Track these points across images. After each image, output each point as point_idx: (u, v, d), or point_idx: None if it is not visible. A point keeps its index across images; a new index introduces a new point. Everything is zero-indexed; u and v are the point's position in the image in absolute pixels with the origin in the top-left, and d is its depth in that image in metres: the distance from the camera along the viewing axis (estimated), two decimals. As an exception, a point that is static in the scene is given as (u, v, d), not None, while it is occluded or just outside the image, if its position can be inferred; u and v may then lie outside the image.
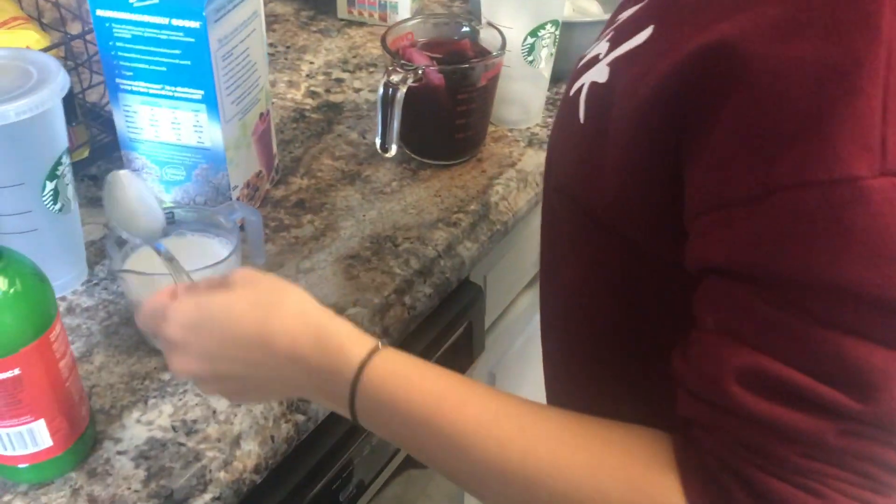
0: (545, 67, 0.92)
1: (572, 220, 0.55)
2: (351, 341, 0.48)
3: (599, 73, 0.49)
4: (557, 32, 0.90)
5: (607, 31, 0.55)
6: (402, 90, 0.79)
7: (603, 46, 0.52)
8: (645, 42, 0.46)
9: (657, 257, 0.48)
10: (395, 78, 0.79)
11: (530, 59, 0.90)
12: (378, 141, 0.82)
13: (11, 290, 0.50)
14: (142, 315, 0.54)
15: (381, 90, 0.79)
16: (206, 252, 0.68)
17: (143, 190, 0.62)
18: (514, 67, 0.89)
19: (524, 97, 0.94)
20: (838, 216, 0.36)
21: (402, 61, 0.82)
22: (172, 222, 0.68)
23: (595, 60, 0.51)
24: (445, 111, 0.84)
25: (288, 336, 0.47)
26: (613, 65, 0.48)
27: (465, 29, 0.89)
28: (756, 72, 0.38)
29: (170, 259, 0.57)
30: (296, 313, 0.48)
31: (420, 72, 0.81)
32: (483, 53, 0.87)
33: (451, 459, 0.46)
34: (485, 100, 0.87)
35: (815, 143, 0.37)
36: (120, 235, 0.65)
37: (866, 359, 0.38)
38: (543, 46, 0.90)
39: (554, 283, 0.62)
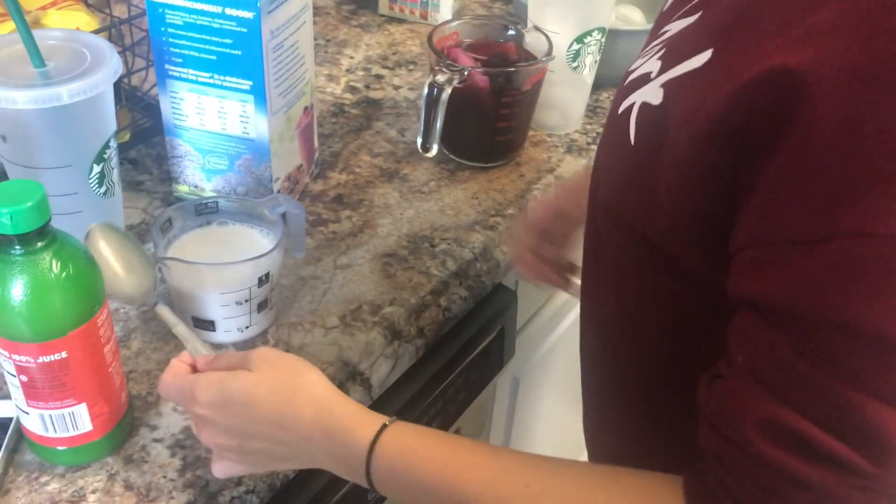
0: (588, 74, 0.92)
1: (621, 244, 0.54)
2: (359, 426, 0.51)
3: (652, 94, 0.47)
4: (603, 40, 0.90)
5: (655, 44, 0.52)
6: (447, 91, 0.79)
7: (654, 64, 0.49)
8: (703, 66, 0.43)
9: (711, 286, 0.46)
10: (440, 78, 0.79)
11: (575, 65, 0.89)
12: (419, 140, 0.82)
13: (64, 274, 0.50)
14: (165, 388, 0.55)
15: (425, 90, 0.79)
16: (248, 242, 0.68)
17: (125, 246, 0.61)
18: (558, 73, 0.89)
19: (565, 103, 0.93)
20: (893, 270, 0.36)
21: (448, 62, 0.81)
22: (216, 211, 0.68)
23: (646, 79, 0.48)
24: (488, 113, 0.84)
25: (302, 422, 0.51)
26: (668, 87, 0.46)
27: (511, 32, 0.89)
28: (828, 114, 0.37)
29: (177, 326, 0.59)
30: (309, 400, 0.51)
31: (465, 73, 0.80)
32: (528, 57, 0.86)
33: None
34: (528, 104, 0.86)
35: (884, 195, 0.36)
36: (166, 219, 0.66)
37: (888, 424, 0.37)
38: (588, 53, 0.89)
39: (598, 310, 0.61)
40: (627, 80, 0.51)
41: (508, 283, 0.86)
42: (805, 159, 0.38)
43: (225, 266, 0.63)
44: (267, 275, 0.64)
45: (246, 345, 0.66)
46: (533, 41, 0.87)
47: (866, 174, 0.36)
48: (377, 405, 0.69)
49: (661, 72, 0.47)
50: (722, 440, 0.42)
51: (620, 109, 0.50)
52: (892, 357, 0.37)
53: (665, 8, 0.56)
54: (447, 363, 0.76)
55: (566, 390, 1.19)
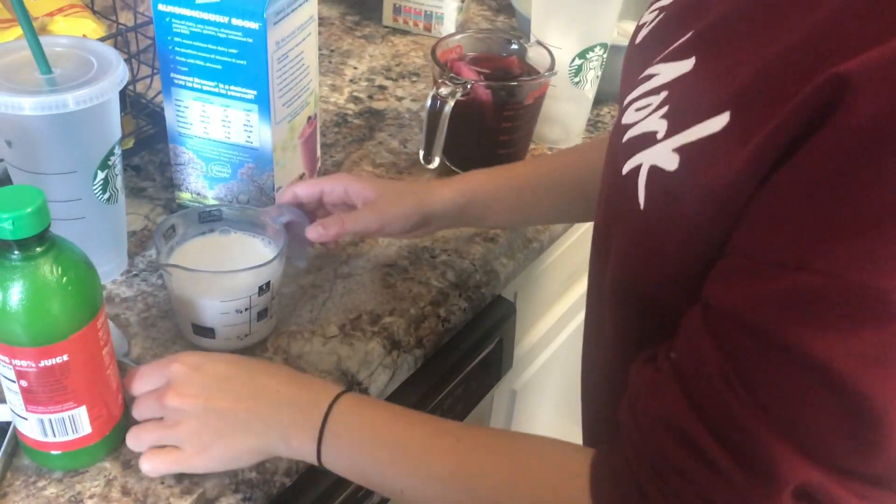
0: (590, 89, 0.92)
1: (621, 300, 0.53)
2: (321, 388, 0.57)
3: (663, 159, 0.44)
4: (605, 55, 0.90)
5: (647, 92, 0.49)
6: (450, 104, 0.79)
7: (658, 124, 0.46)
8: (722, 131, 0.42)
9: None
10: (443, 91, 0.79)
11: (576, 80, 0.90)
12: (422, 152, 0.83)
13: (64, 278, 0.50)
14: (142, 370, 0.59)
15: (429, 102, 0.79)
16: (250, 251, 0.68)
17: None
18: (560, 87, 0.90)
19: (567, 117, 0.94)
20: (850, 315, 0.37)
21: (451, 75, 0.82)
22: (219, 219, 0.69)
23: (651, 139, 0.46)
24: (490, 127, 0.85)
25: (274, 383, 0.57)
26: (684, 153, 0.43)
27: (514, 46, 0.89)
28: (832, 152, 0.37)
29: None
30: (283, 370, 0.59)
31: (468, 86, 0.81)
32: (530, 72, 0.87)
33: (400, 473, 0.53)
34: (530, 118, 0.87)
35: (861, 241, 0.36)
36: (170, 226, 0.66)
37: (777, 456, 0.40)
38: (591, 69, 0.90)
39: (598, 342, 0.61)
40: (626, 138, 0.49)
41: (508, 295, 0.86)
42: (801, 186, 0.38)
43: (225, 274, 0.63)
44: (268, 284, 0.64)
45: (245, 353, 0.66)
46: (535, 56, 0.88)
47: (851, 218, 0.37)
48: (375, 415, 0.69)
49: (671, 133, 0.45)
50: (634, 423, 0.46)
51: (625, 171, 0.48)
52: (818, 391, 0.38)
53: (637, 40, 0.55)
54: (445, 374, 0.76)
55: (564, 403, 1.19)
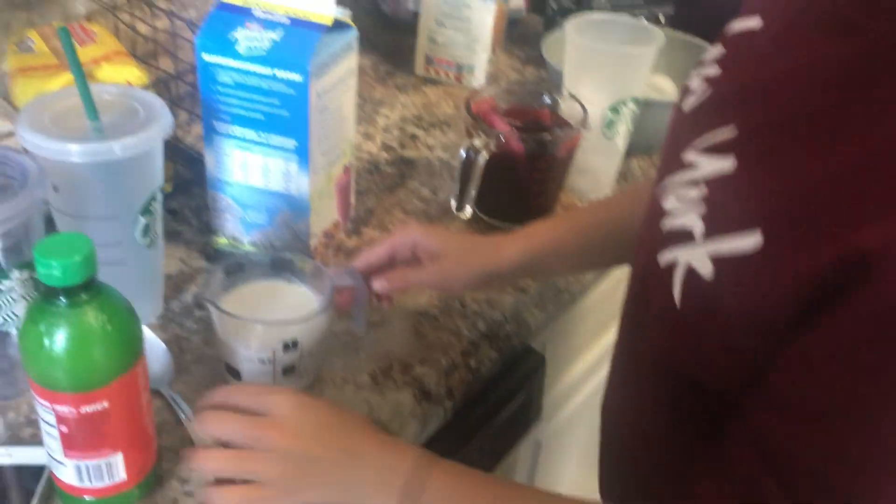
0: (621, 142, 0.93)
1: (662, 374, 0.54)
2: (411, 450, 0.56)
3: (700, 262, 0.46)
4: (637, 110, 0.91)
5: (687, 182, 0.49)
6: (484, 155, 0.80)
7: (695, 221, 0.47)
8: (756, 254, 0.42)
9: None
10: (477, 143, 0.80)
11: (608, 133, 0.91)
12: (454, 202, 0.84)
13: (108, 326, 0.51)
14: (235, 389, 0.58)
15: (462, 153, 0.80)
16: (303, 306, 0.66)
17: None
18: (591, 140, 0.91)
19: (597, 169, 0.95)
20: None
21: (485, 126, 0.83)
22: (291, 270, 0.69)
23: (688, 237, 0.47)
24: (522, 178, 0.86)
25: (366, 439, 0.56)
26: (718, 265, 0.45)
27: (546, 99, 0.91)
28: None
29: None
30: (373, 429, 0.58)
31: (501, 138, 0.82)
32: (562, 124, 0.88)
33: None
34: (561, 169, 0.88)
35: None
36: (237, 263, 0.67)
37: None
38: (622, 122, 0.91)
39: (632, 399, 0.61)
40: (665, 226, 0.50)
41: (537, 346, 0.86)
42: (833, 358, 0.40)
43: (250, 322, 0.64)
44: (294, 342, 0.64)
45: (278, 400, 0.66)
46: (568, 108, 0.89)
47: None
48: (404, 465, 0.69)
49: (707, 236, 0.46)
50: None
51: (662, 264, 0.49)
52: None
53: (685, 108, 0.54)
54: (474, 425, 0.76)
55: (589, 455, 1.18)
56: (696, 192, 0.48)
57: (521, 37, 1.32)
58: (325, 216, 0.79)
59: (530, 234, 0.72)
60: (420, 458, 0.55)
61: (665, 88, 1.09)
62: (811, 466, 0.42)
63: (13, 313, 0.61)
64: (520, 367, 0.81)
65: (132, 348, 0.52)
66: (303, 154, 0.72)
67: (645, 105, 0.95)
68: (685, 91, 0.56)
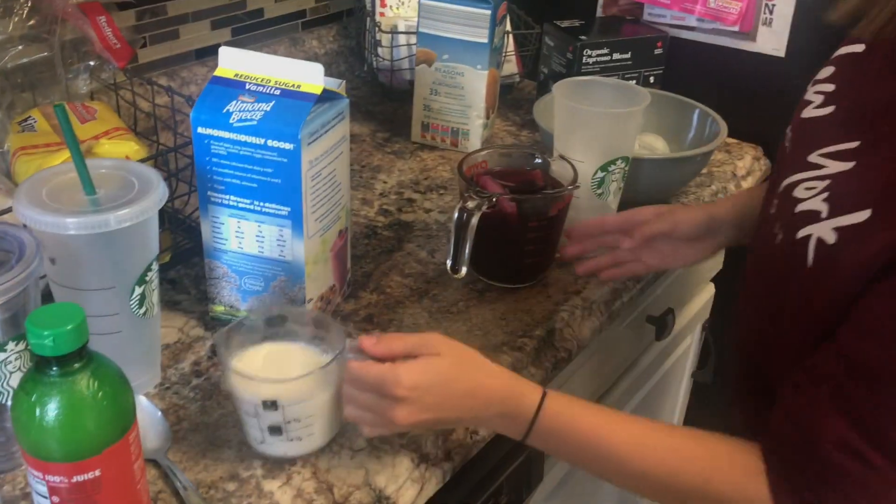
0: (613, 200, 0.94)
1: (791, 322, 0.66)
2: (525, 392, 0.67)
3: (826, 234, 0.61)
4: (627, 168, 0.93)
5: (813, 176, 0.64)
6: (477, 216, 0.81)
7: (821, 205, 0.62)
8: (865, 222, 0.58)
9: None
10: (470, 204, 0.82)
11: (599, 191, 0.92)
12: (449, 263, 0.84)
13: (100, 394, 0.51)
14: (364, 375, 0.64)
15: (455, 215, 0.82)
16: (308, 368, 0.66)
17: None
18: (583, 199, 0.92)
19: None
20: None
21: (477, 188, 0.84)
22: (323, 339, 0.69)
23: (816, 217, 0.62)
24: (515, 238, 0.86)
25: (488, 391, 0.67)
26: (839, 233, 0.60)
27: (538, 160, 0.92)
28: None
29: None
30: (491, 374, 0.68)
31: (494, 199, 0.83)
32: (554, 185, 0.89)
33: (600, 470, 0.68)
34: (554, 228, 0.89)
35: None
36: (278, 316, 0.69)
37: None
38: (613, 181, 0.92)
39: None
40: (797, 209, 0.64)
41: (536, 406, 0.86)
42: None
43: (236, 374, 0.64)
44: (273, 402, 0.63)
45: (267, 458, 0.66)
46: (559, 169, 0.90)
47: None
48: (403, 530, 0.68)
49: (831, 216, 0.61)
50: (798, 433, 0.60)
51: (798, 236, 0.63)
52: None
53: (804, 115, 0.71)
54: (474, 488, 0.75)
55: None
56: (821, 184, 0.63)
57: (515, 101, 1.35)
58: (322, 281, 0.80)
59: (727, 198, 0.94)
60: (538, 391, 0.67)
61: (656, 147, 1.10)
62: (876, 375, 0.57)
63: (10, 385, 0.61)
64: (519, 427, 0.80)
65: (124, 416, 0.53)
66: (297, 220, 0.73)
67: (636, 163, 0.96)
68: (804, 104, 0.72)
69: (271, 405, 0.63)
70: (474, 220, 0.81)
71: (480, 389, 0.66)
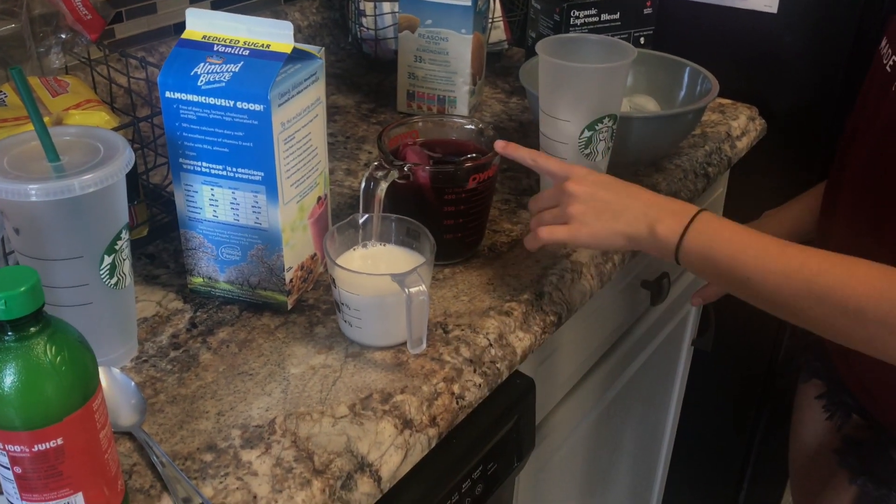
0: (602, 161, 0.92)
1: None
2: (680, 204, 0.75)
3: None
4: (615, 126, 0.90)
5: None
6: (384, 186, 0.77)
7: None
8: None
9: None
10: (378, 173, 0.78)
11: (587, 151, 0.89)
12: (361, 233, 0.80)
13: (58, 359, 0.49)
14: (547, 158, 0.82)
15: (363, 184, 0.77)
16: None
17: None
18: (571, 160, 0.89)
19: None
20: None
21: (391, 158, 0.81)
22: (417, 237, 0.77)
23: None
24: (433, 210, 0.82)
25: (646, 193, 0.76)
26: None
27: (469, 127, 0.89)
28: None
29: None
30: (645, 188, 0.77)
31: (406, 168, 0.80)
32: (480, 155, 0.84)
33: (749, 265, 0.70)
34: (478, 201, 0.84)
35: None
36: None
37: None
38: (601, 140, 0.89)
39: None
40: None
41: (527, 372, 0.84)
42: None
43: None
44: (334, 280, 0.71)
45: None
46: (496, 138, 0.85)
47: None
48: (387, 499, 0.66)
49: None
50: None
51: None
52: None
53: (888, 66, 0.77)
54: (462, 454, 0.73)
55: (592, 486, 1.14)
56: None
57: (504, 69, 1.33)
58: (301, 249, 0.78)
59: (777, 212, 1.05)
60: (695, 206, 0.73)
61: (648, 108, 1.08)
62: None
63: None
64: (508, 393, 0.78)
65: (85, 382, 0.51)
66: (271, 185, 0.71)
67: (625, 121, 0.94)
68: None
69: (332, 281, 0.72)
70: (381, 190, 0.77)
71: (639, 190, 0.75)
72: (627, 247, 0.75)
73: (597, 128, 0.88)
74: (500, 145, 0.80)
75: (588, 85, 0.87)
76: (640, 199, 0.75)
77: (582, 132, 0.88)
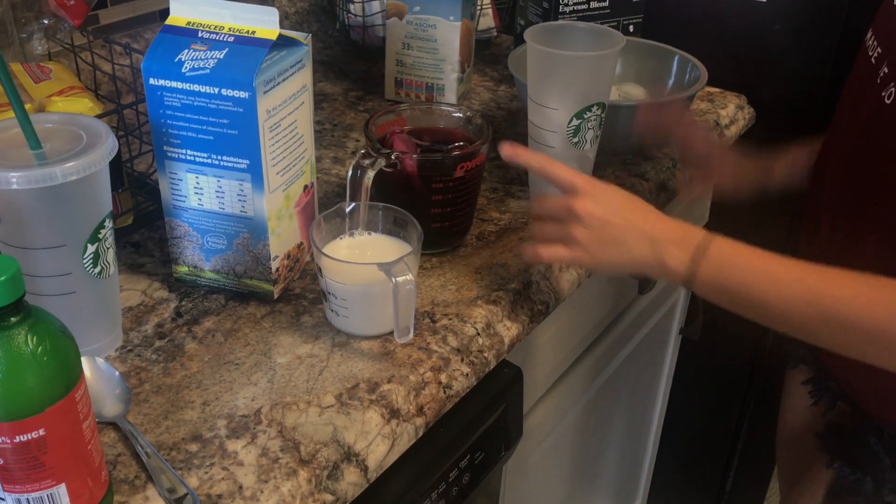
0: (590, 149, 0.92)
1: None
2: (691, 231, 0.72)
3: None
4: (603, 115, 0.90)
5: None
6: (370, 174, 0.77)
7: None
8: None
9: None
10: (365, 161, 0.78)
11: (575, 140, 0.89)
12: (348, 222, 0.80)
13: (39, 349, 0.49)
14: (553, 163, 0.76)
15: (349, 172, 0.77)
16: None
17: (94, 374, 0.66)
18: (559, 148, 0.89)
19: (569, 178, 0.93)
20: None
21: (378, 146, 0.81)
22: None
23: None
24: (421, 198, 0.82)
25: (655, 216, 0.72)
26: None
27: (457, 115, 0.88)
28: None
29: None
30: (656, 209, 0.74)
31: (393, 157, 0.79)
32: (468, 144, 0.84)
33: (767, 292, 0.68)
34: (466, 190, 0.84)
35: None
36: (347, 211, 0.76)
37: None
38: (589, 128, 0.89)
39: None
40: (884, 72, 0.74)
41: (515, 361, 0.84)
42: None
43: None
44: (320, 269, 0.71)
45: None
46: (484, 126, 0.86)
47: None
48: (374, 489, 0.66)
49: None
50: None
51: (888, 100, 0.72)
52: None
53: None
54: (449, 443, 0.73)
55: (580, 475, 1.14)
56: None
57: (493, 56, 1.32)
58: (287, 238, 0.77)
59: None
60: (705, 231, 0.70)
61: (637, 96, 1.07)
62: None
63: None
64: (495, 382, 0.78)
65: (68, 372, 0.50)
66: (256, 173, 0.71)
67: (615, 110, 0.94)
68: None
69: (319, 270, 0.72)
70: (368, 179, 0.77)
71: (650, 212, 0.72)
72: (634, 274, 0.74)
73: (585, 116, 0.88)
74: (507, 152, 0.76)
75: (576, 73, 0.86)
76: (648, 224, 0.71)
77: (570, 120, 0.88)
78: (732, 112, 1.19)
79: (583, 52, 0.87)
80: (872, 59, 0.79)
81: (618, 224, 0.71)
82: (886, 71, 0.75)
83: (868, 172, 0.78)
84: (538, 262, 0.77)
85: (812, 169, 0.92)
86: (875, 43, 0.79)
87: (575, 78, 0.86)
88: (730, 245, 0.70)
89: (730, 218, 1.07)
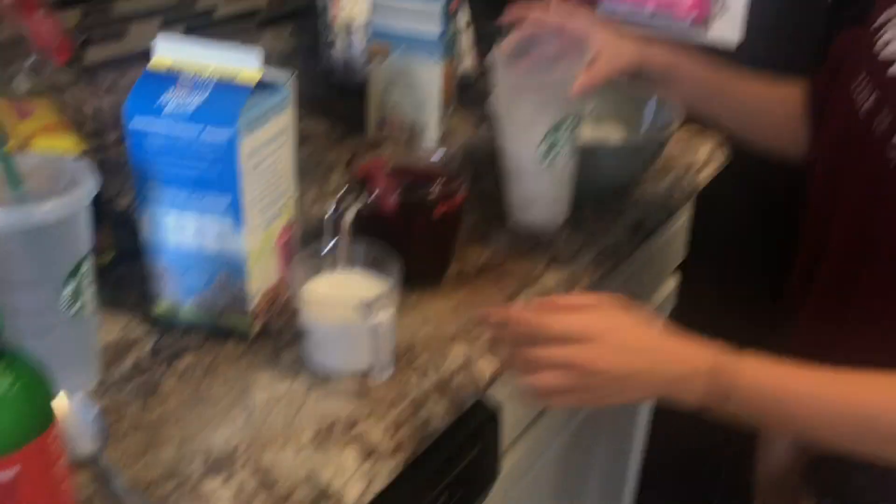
0: (567, 164, 0.92)
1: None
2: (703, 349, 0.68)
3: None
4: (578, 129, 0.91)
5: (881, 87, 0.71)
6: (352, 212, 0.78)
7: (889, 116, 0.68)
8: None
9: None
10: (346, 200, 0.79)
11: (547, 159, 0.90)
12: (328, 259, 0.80)
13: (15, 387, 0.49)
14: (552, 304, 0.71)
15: (330, 210, 0.79)
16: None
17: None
18: (531, 170, 0.91)
19: (543, 197, 0.94)
20: None
21: (359, 184, 0.82)
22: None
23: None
24: (400, 237, 0.81)
25: (670, 343, 0.68)
26: None
27: (438, 155, 0.90)
28: None
29: None
30: (671, 333, 0.69)
31: (374, 195, 0.81)
32: (448, 182, 0.85)
33: (793, 421, 0.66)
34: (445, 230, 0.85)
35: None
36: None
37: None
38: (564, 144, 0.90)
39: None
40: (864, 108, 0.72)
41: (490, 398, 0.84)
42: None
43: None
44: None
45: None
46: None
47: None
48: (351, 527, 0.66)
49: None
50: None
51: (877, 133, 0.70)
52: None
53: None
54: (427, 482, 0.74)
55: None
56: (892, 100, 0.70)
57: (474, 97, 1.34)
58: (267, 276, 0.78)
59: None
60: (722, 357, 0.66)
61: (613, 137, 1.09)
62: None
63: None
64: (472, 420, 0.78)
65: (41, 413, 0.51)
66: (237, 213, 0.71)
67: (588, 154, 0.95)
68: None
69: (298, 308, 0.74)
70: (349, 216, 0.78)
71: (667, 340, 0.68)
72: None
73: (558, 131, 0.89)
74: (481, 317, 0.74)
75: (546, 91, 0.88)
76: (662, 358, 0.67)
77: (543, 137, 0.89)
78: (708, 151, 1.21)
79: (553, 61, 0.89)
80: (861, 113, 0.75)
81: (623, 373, 0.66)
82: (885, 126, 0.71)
83: (868, 238, 0.74)
84: (538, 402, 0.72)
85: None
86: (868, 94, 0.74)
87: (545, 96, 0.88)
88: (751, 368, 0.66)
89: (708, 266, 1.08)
